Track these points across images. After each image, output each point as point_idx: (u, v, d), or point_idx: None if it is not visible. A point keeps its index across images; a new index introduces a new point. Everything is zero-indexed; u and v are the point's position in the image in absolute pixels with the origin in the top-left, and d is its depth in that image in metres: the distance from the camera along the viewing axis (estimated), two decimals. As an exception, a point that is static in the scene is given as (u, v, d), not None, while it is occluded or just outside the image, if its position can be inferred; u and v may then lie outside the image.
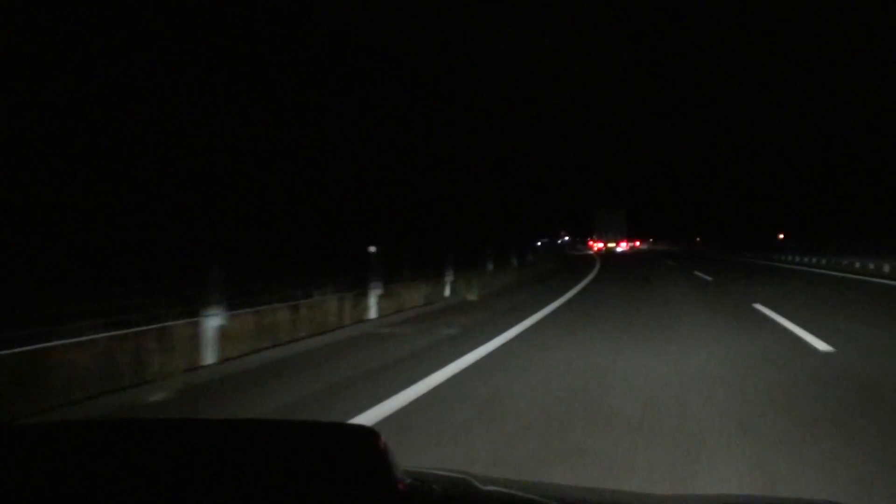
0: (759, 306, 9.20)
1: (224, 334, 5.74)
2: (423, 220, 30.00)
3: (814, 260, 22.90)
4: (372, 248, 8.66)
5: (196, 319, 5.52)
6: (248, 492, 0.77)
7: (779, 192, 56.82)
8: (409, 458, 2.09)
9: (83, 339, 4.67)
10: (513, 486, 1.14)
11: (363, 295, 8.63)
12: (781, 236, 38.83)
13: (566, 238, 79.82)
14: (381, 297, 9.30)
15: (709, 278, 16.48)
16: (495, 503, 1.00)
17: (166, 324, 5.39)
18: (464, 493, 0.98)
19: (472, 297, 11.60)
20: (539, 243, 32.82)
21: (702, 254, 40.97)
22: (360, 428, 0.90)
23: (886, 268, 16.39)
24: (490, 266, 15.74)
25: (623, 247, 52.79)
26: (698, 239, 68.52)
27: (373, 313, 8.58)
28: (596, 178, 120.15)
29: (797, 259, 24.86)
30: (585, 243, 58.40)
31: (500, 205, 45.49)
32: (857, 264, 18.57)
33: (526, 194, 61.22)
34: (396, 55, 41.01)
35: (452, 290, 11.91)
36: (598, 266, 24.38)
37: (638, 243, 60.02)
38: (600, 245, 52.61)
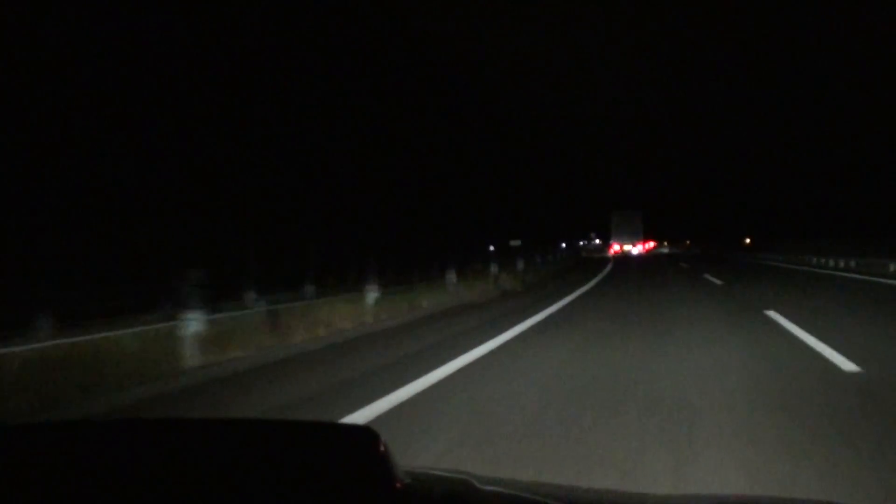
0: None
1: None
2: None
3: None
4: None
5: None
6: (246, 492, 0.75)
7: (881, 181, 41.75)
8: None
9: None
10: (513, 487, 1.10)
11: None
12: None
13: (597, 241, 71.68)
14: None
15: (851, 369, 4.77)
16: (495, 503, 0.97)
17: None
18: (464, 493, 0.94)
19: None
20: (492, 248, 22.82)
21: (754, 262, 30.93)
22: (360, 428, 0.88)
23: None
24: (254, 309, 7.59)
25: (638, 249, 48.27)
26: (748, 240, 57.83)
27: None
28: (620, 179, 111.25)
29: None
30: (607, 247, 53.03)
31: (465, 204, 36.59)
32: None
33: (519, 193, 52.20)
34: (402, 51, 34.51)
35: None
36: (585, 287, 16.38)
37: (650, 244, 57.05)
38: (617, 248, 48.39)
